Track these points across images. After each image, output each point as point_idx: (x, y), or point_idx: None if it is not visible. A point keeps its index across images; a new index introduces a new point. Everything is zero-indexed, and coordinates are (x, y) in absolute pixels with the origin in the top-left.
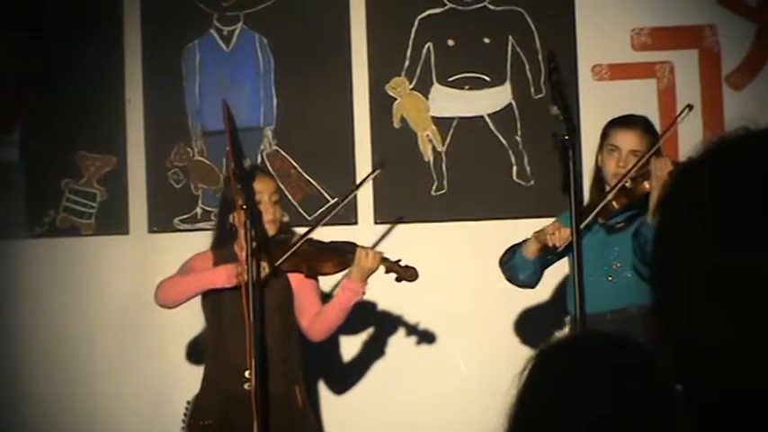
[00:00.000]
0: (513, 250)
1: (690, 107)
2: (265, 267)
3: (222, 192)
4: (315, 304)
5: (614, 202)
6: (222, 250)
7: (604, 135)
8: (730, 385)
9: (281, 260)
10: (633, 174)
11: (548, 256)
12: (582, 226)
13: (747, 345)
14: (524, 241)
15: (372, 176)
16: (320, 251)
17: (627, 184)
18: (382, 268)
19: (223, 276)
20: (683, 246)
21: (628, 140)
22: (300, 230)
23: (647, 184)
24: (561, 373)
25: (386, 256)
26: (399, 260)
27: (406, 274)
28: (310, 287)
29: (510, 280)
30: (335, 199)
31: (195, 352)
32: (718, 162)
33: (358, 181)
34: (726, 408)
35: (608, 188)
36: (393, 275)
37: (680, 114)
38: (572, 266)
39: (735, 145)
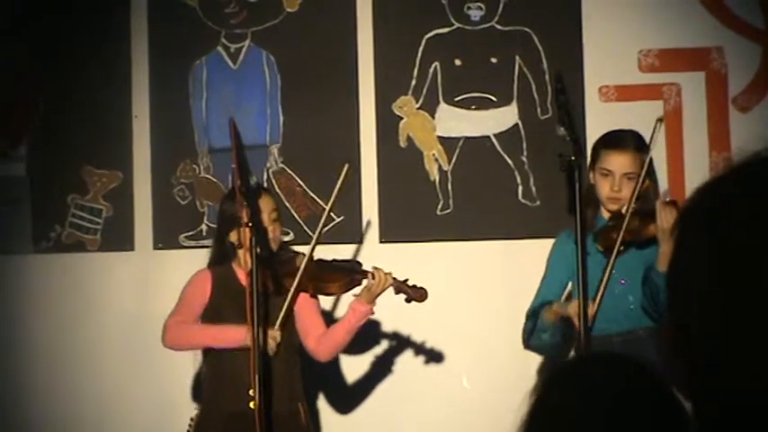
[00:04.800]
0: (530, 321)
1: (660, 120)
2: (270, 285)
3: (220, 209)
4: (319, 324)
5: (615, 234)
6: (221, 268)
7: (595, 155)
8: (744, 401)
9: (293, 286)
10: (635, 206)
11: (567, 330)
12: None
13: (760, 361)
14: (538, 310)
15: (344, 174)
16: (327, 271)
17: (628, 215)
18: (391, 289)
19: (236, 338)
20: (699, 263)
21: (620, 164)
22: (302, 248)
23: (652, 228)
24: (573, 393)
25: (395, 276)
26: (407, 280)
27: (415, 294)
28: (313, 307)
29: (537, 348)
30: (341, 217)
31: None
32: (737, 182)
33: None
34: (738, 424)
35: (603, 209)
36: (403, 296)
37: (654, 131)
38: (576, 289)
39: (753, 166)
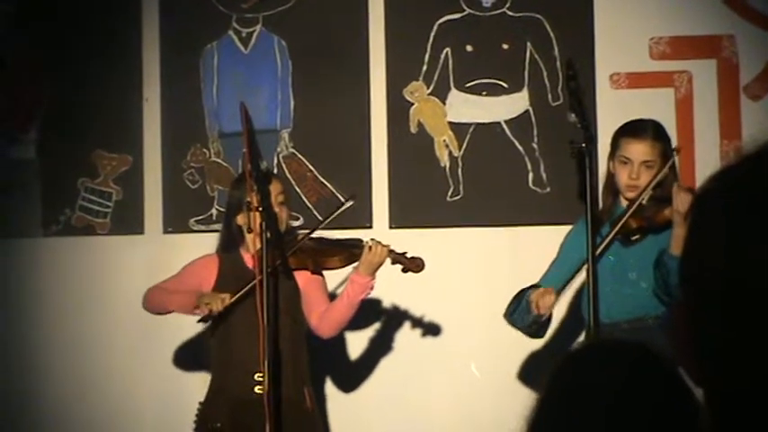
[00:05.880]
0: (517, 299)
1: (677, 150)
2: (277, 264)
3: (228, 193)
4: (323, 301)
5: (632, 221)
6: (229, 254)
7: (615, 144)
8: (756, 388)
9: (288, 253)
10: (650, 192)
11: (538, 320)
12: (598, 252)
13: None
14: (528, 289)
15: (342, 210)
16: (326, 246)
17: (644, 202)
18: (389, 260)
19: (187, 305)
20: (715, 247)
21: (639, 152)
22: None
23: (667, 212)
24: (582, 379)
25: (392, 248)
26: (405, 252)
27: (412, 264)
28: (317, 284)
29: (521, 327)
30: (351, 202)
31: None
32: (754, 168)
33: (369, 187)
34: (747, 411)
35: (621, 197)
36: (399, 267)
37: (670, 161)
38: (587, 276)
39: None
